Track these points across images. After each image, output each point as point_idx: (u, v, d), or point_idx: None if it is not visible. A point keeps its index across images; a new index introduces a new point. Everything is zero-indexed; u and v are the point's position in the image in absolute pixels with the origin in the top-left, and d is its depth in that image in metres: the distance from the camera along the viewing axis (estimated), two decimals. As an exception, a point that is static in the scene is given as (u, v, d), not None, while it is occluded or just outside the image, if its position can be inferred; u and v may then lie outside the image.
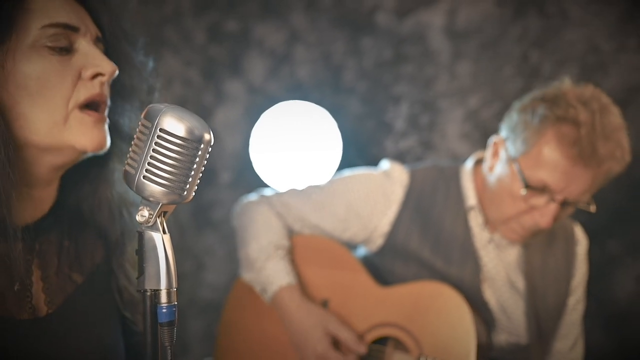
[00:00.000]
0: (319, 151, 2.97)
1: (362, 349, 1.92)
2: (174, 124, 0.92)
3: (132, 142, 0.95)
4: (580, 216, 2.89)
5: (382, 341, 2.01)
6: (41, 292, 1.13)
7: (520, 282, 2.03)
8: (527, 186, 1.83)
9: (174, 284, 0.93)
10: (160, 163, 0.92)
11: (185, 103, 3.13)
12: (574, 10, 2.87)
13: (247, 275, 2.06)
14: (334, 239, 2.09)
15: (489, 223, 2.02)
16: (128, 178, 0.94)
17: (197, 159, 0.94)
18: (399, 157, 3.02)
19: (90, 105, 1.10)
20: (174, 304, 0.92)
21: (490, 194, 1.96)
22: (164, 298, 0.91)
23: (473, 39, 2.96)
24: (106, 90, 1.10)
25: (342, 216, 2.04)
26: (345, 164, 2.89)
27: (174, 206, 0.96)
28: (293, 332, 1.95)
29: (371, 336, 1.98)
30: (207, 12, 3.12)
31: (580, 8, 2.86)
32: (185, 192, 0.94)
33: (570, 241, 2.10)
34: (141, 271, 0.92)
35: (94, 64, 1.08)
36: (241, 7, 3.10)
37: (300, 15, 3.08)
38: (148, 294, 0.92)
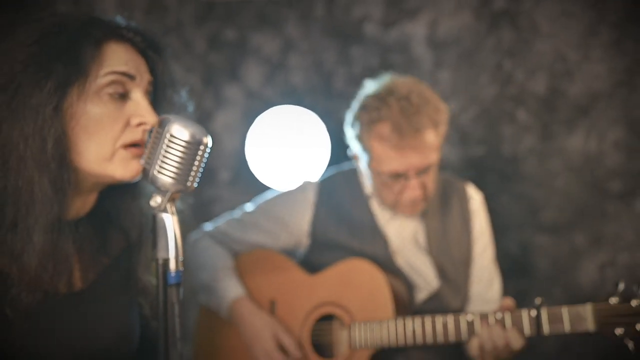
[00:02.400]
0: (309, 150, 3.14)
1: (297, 355, 2.22)
2: (181, 130, 1.18)
3: (147, 145, 1.21)
4: (549, 213, 3.11)
5: (329, 320, 2.28)
6: (78, 271, 1.37)
7: (424, 244, 2.34)
8: (385, 178, 2.20)
9: (180, 254, 1.18)
10: (170, 160, 1.18)
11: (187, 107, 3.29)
12: (543, 24, 3.06)
13: (203, 300, 2.38)
14: (272, 250, 2.40)
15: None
16: (145, 173, 1.21)
17: (198, 157, 1.20)
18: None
19: (132, 144, 1.30)
20: (180, 270, 1.17)
21: (374, 189, 2.31)
22: (172, 265, 1.16)
23: (452, 48, 3.14)
24: (146, 135, 1.29)
25: (272, 229, 2.38)
26: (334, 162, 3.03)
27: (179, 194, 1.21)
28: (246, 334, 2.26)
29: (314, 317, 2.27)
30: (207, 22, 3.26)
31: (550, 22, 3.05)
32: (189, 183, 1.21)
33: (463, 200, 2.41)
34: (154, 245, 1.17)
35: (141, 115, 1.28)
36: (239, 18, 3.24)
37: (294, 26, 3.24)
38: (160, 262, 1.16)
